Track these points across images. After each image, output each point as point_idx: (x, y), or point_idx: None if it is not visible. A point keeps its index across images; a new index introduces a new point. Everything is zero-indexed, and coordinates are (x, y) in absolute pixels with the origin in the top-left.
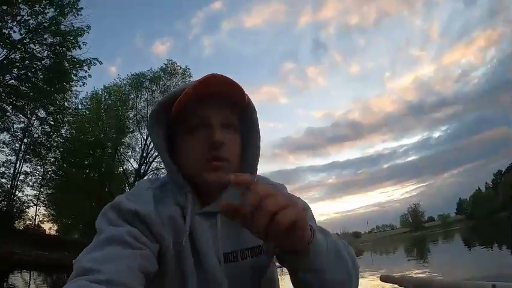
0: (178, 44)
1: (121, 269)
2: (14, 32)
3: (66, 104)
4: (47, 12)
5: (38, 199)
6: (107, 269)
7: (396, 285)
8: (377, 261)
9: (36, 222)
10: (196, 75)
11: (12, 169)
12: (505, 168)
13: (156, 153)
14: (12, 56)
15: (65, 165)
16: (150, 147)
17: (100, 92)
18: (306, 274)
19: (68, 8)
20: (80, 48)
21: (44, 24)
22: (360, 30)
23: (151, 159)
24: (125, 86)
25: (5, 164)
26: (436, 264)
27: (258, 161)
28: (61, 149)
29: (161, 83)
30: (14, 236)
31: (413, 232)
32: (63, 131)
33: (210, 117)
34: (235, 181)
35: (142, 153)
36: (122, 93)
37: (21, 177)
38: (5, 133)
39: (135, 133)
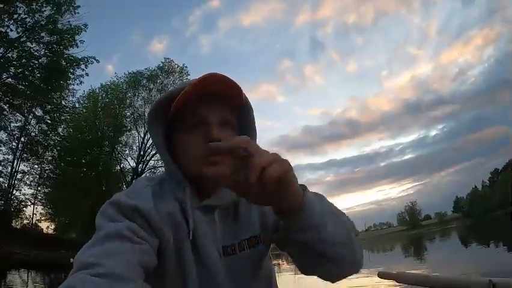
0: (175, 42)
1: (120, 263)
2: (11, 30)
3: (63, 102)
4: (44, 11)
5: (35, 198)
6: (107, 263)
7: (394, 282)
8: (375, 259)
9: (33, 221)
10: (194, 74)
11: (9, 168)
12: (502, 167)
13: (154, 152)
14: (9, 55)
15: (62, 163)
16: (147, 145)
17: (97, 91)
18: (303, 233)
19: (65, 7)
20: (77, 47)
21: (41, 22)
22: (358, 29)
23: (148, 158)
24: (122, 85)
25: (2, 163)
26: (433, 262)
27: None
28: (58, 148)
29: (158, 81)
30: (12, 235)
31: (410, 230)
32: (60, 130)
33: (208, 116)
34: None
35: (140, 152)
36: (120, 91)
37: (19, 176)
38: (2, 132)
39: (132, 131)
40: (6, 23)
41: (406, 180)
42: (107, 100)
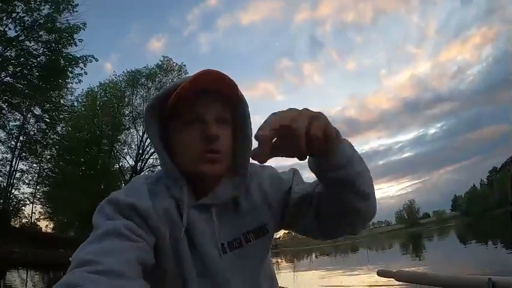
0: (174, 40)
1: (119, 260)
2: (9, 29)
3: (62, 101)
4: (43, 9)
5: (34, 197)
6: (106, 260)
7: (394, 280)
8: (373, 258)
9: (32, 220)
10: (192, 72)
11: (8, 167)
12: (500, 165)
13: (152, 150)
14: (8, 53)
15: (61, 162)
16: (146, 144)
17: (96, 89)
18: (344, 169)
19: (64, 5)
20: (76, 45)
21: (40, 21)
22: (357, 27)
23: (147, 156)
24: (121, 83)
25: (1, 162)
26: (432, 260)
27: (250, 151)
28: (57, 147)
29: (157, 79)
30: (11, 234)
31: (409, 228)
32: (59, 128)
33: (204, 113)
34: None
35: (138, 150)
36: (118, 90)
37: (18, 175)
38: (0, 131)
39: (131, 130)
40: (4, 22)
41: (405, 178)
42: (105, 99)
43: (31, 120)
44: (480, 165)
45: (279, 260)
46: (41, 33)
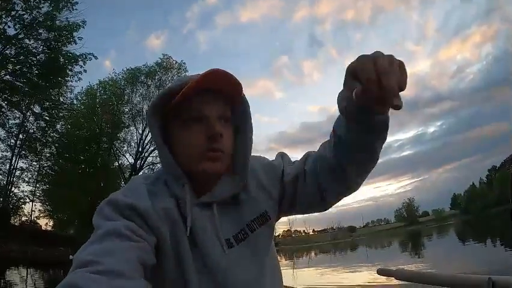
0: (173, 38)
1: (120, 260)
2: (9, 27)
3: (61, 99)
4: (42, 7)
5: (34, 195)
6: (107, 260)
7: (393, 278)
8: (372, 256)
9: (32, 218)
10: (192, 70)
11: (7, 165)
12: (500, 164)
13: (152, 148)
14: (7, 52)
15: (60, 160)
16: (146, 142)
17: (95, 87)
18: (384, 116)
19: (63, 3)
20: (76, 43)
21: (39, 19)
22: (356, 25)
23: (146, 154)
24: (120, 81)
25: (1, 160)
26: (431, 259)
27: (250, 151)
28: (57, 145)
29: (156, 77)
30: (11, 232)
31: (408, 227)
32: (58, 126)
33: (207, 111)
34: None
35: (138, 148)
36: (118, 88)
37: (17, 173)
38: (0, 129)
39: (131, 128)
40: (4, 20)
41: (404, 176)
42: (105, 97)
43: (31, 118)
44: (479, 163)
45: (279, 258)
46: (40, 31)
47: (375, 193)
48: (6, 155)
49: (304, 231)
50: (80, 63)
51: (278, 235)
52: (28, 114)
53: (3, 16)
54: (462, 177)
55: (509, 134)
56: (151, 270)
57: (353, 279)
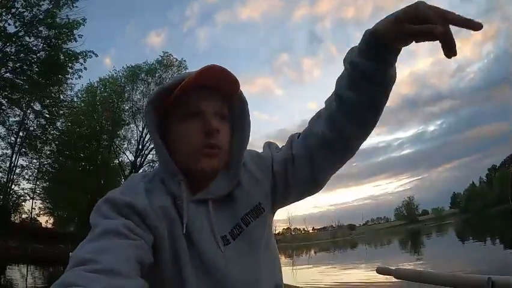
0: (173, 35)
1: (117, 259)
2: (9, 24)
3: (61, 96)
4: (42, 5)
5: (34, 192)
6: (104, 259)
7: (393, 277)
8: (372, 254)
9: (32, 216)
10: (192, 67)
11: (8, 163)
12: (499, 163)
13: (152, 146)
14: (8, 49)
15: (60, 158)
16: (146, 139)
17: (95, 85)
18: (393, 69)
19: (64, 0)
20: (76, 41)
21: (39, 16)
22: (356, 23)
23: (146, 152)
24: (120, 78)
25: (1, 158)
26: (430, 258)
27: (246, 148)
28: (57, 142)
29: (157, 75)
30: (11, 230)
31: (407, 225)
32: (58, 124)
33: (204, 107)
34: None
35: (138, 146)
36: (118, 85)
37: (17, 170)
38: (0, 126)
39: (131, 125)
40: (4, 18)
41: (403, 175)
42: (105, 94)
43: (31, 116)
44: (479, 163)
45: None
46: (40, 28)
47: (375, 191)
48: (6, 153)
49: (304, 229)
50: (81, 60)
51: (278, 233)
52: (28, 111)
53: (4, 13)
54: (462, 176)
55: (509, 133)
56: (149, 269)
57: (352, 277)
